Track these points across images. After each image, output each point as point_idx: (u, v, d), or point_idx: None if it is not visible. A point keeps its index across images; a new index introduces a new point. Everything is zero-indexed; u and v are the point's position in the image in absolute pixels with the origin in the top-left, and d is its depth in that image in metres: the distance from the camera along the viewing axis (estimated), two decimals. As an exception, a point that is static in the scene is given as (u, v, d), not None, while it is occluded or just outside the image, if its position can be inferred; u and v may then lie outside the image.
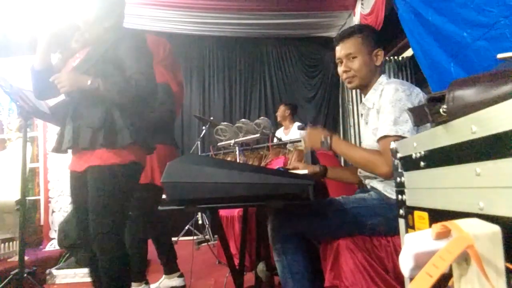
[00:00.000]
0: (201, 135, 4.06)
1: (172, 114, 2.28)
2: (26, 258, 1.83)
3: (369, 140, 1.38)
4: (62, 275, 2.64)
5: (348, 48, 1.42)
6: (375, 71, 1.43)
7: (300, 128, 3.72)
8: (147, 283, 2.15)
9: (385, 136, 1.23)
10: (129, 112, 1.46)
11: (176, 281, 2.28)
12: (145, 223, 2.14)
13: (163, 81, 2.23)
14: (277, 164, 2.85)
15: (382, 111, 1.28)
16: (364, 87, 1.46)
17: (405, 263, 0.49)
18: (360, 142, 1.76)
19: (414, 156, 0.71)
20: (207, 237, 3.84)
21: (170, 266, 2.30)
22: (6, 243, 2.87)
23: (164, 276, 2.31)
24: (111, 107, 1.43)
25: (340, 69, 1.45)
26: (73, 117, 1.46)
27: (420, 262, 0.47)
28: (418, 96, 1.27)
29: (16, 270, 1.83)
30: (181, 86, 2.43)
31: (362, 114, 1.53)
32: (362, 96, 1.50)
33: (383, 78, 1.42)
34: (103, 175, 1.41)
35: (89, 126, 1.41)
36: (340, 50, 1.44)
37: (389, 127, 1.22)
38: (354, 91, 4.65)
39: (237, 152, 3.30)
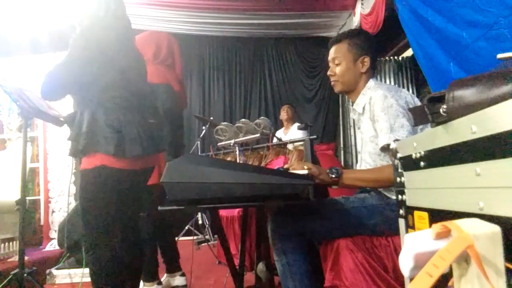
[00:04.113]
0: (201, 135, 4.05)
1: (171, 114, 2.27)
2: (26, 258, 1.83)
3: (367, 146, 1.39)
4: (62, 275, 2.64)
5: (334, 53, 1.45)
6: (359, 78, 1.43)
7: (300, 128, 3.71)
8: (159, 283, 2.14)
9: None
10: (115, 118, 1.42)
11: (178, 280, 2.29)
12: (151, 223, 2.14)
13: (164, 81, 2.22)
14: (277, 164, 2.85)
15: (377, 119, 1.28)
16: (350, 93, 1.46)
17: (405, 263, 0.49)
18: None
19: (414, 156, 0.71)
20: (207, 237, 3.84)
21: (173, 265, 2.30)
22: (6, 243, 2.86)
23: (166, 274, 2.31)
24: (95, 113, 1.40)
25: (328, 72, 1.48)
26: (71, 125, 1.48)
27: (420, 262, 0.47)
28: (406, 98, 1.28)
29: (16, 270, 1.83)
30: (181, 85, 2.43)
31: (355, 119, 1.53)
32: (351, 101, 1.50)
33: (371, 83, 1.42)
34: (83, 179, 1.45)
35: (76, 134, 1.42)
36: (330, 54, 1.47)
37: (387, 136, 1.23)
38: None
39: (237, 152, 3.29)
